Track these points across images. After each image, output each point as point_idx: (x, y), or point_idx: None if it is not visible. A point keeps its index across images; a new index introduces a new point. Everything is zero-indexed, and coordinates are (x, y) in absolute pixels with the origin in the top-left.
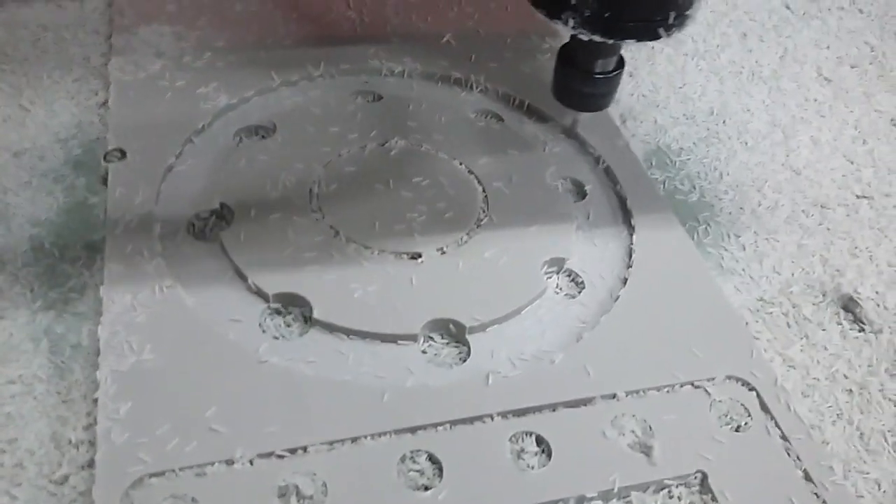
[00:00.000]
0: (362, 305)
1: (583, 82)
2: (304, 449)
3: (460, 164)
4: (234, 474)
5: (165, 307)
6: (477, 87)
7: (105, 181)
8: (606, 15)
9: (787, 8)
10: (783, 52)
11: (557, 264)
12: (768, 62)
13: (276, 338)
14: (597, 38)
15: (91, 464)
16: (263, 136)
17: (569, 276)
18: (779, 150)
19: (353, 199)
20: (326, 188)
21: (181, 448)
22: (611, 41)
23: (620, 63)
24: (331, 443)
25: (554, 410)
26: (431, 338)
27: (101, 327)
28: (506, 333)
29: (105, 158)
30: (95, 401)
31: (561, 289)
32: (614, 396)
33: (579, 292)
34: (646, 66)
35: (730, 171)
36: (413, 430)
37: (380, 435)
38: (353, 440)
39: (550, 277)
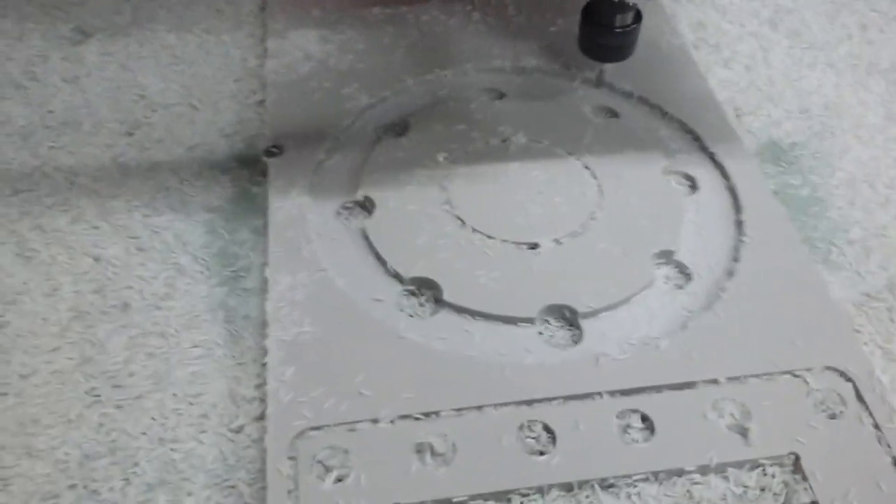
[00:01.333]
0: (486, 290)
1: (604, 36)
2: (437, 413)
3: (576, 159)
4: (379, 431)
5: (319, 287)
6: (595, 84)
7: (265, 174)
8: None
9: None
10: None
11: (666, 256)
12: (888, 54)
13: (412, 316)
14: None
15: (262, 417)
16: (399, 134)
17: (677, 267)
18: (893, 145)
19: (479, 193)
20: (454, 182)
21: (336, 407)
22: None
23: (637, 17)
24: (459, 409)
25: (659, 392)
26: (547, 321)
27: (267, 303)
28: (616, 319)
29: (265, 153)
30: (264, 365)
31: (669, 279)
32: (716, 381)
33: (687, 283)
34: (762, 58)
35: (842, 165)
36: (530, 402)
37: (502, 405)
38: (479, 408)
39: (660, 268)
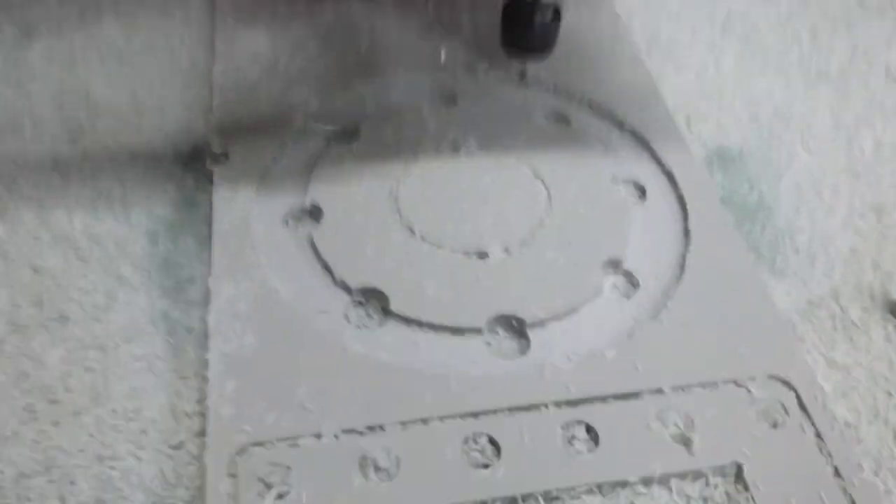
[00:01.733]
0: (434, 300)
1: (526, 33)
2: (382, 427)
3: (527, 166)
4: (322, 447)
5: (263, 298)
6: (545, 88)
7: (211, 180)
8: None
9: (861, 5)
10: (853, 51)
11: (614, 265)
12: (837, 60)
13: (359, 327)
14: None
15: (203, 433)
16: (349, 140)
17: (625, 276)
18: (840, 154)
19: (428, 201)
20: (404, 190)
21: (278, 422)
22: None
23: (556, 15)
24: (404, 422)
25: (604, 402)
26: (495, 331)
27: (209, 315)
28: (563, 329)
29: (211, 160)
30: (206, 378)
31: (617, 288)
32: (661, 391)
33: (634, 292)
34: (713, 64)
35: (790, 173)
36: (476, 414)
37: (447, 417)
38: (424, 421)
39: (608, 277)
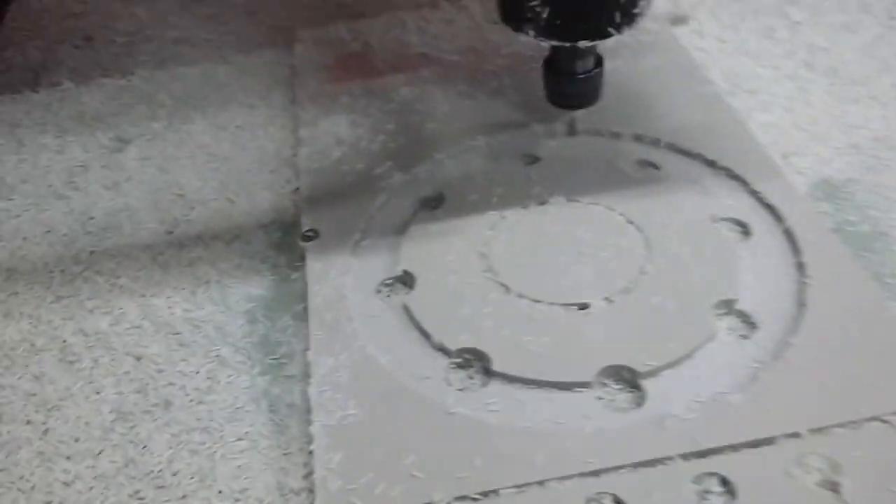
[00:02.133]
0: (537, 356)
1: (568, 84)
2: (496, 492)
3: (619, 214)
4: None
5: (363, 367)
6: (628, 137)
7: (303, 259)
8: (557, 23)
9: None
10: None
11: (727, 305)
12: None
13: (461, 390)
14: (555, 43)
15: None
16: (434, 207)
17: (740, 317)
18: None
19: (520, 257)
20: (494, 249)
21: (387, 493)
22: (568, 44)
23: (599, 62)
24: (519, 486)
25: (735, 451)
26: (605, 384)
27: (310, 388)
28: (680, 377)
29: (302, 238)
30: (311, 453)
31: (733, 330)
32: (797, 435)
33: (752, 332)
34: (802, 99)
35: None
36: (596, 472)
37: (565, 478)
38: (541, 483)
39: (721, 319)
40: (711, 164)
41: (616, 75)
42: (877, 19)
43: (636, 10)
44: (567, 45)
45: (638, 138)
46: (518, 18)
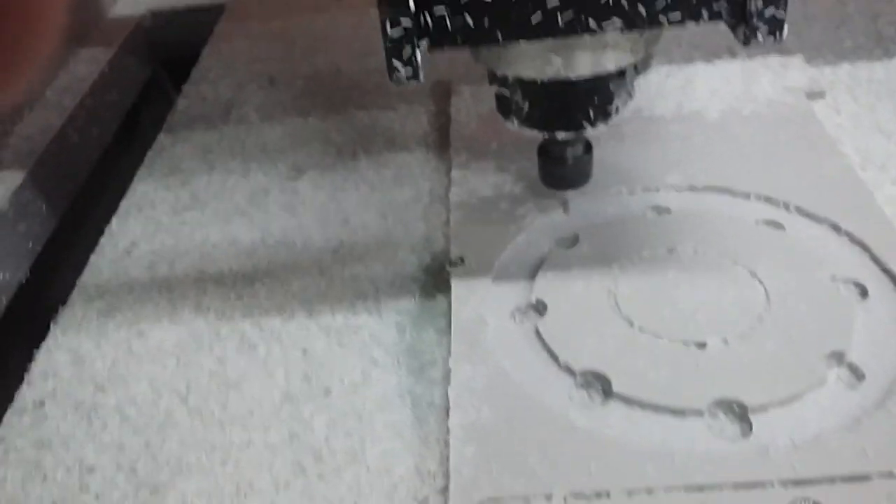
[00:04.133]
0: (654, 383)
1: (559, 167)
2: (608, 494)
3: (743, 267)
4: None
5: (496, 378)
6: (757, 197)
7: (449, 283)
8: (537, 115)
9: None
10: None
11: (838, 357)
12: None
13: (583, 407)
14: (536, 132)
15: (444, 490)
16: (569, 246)
17: (849, 368)
18: None
19: (646, 297)
20: (622, 287)
21: (512, 483)
22: (547, 134)
23: (588, 148)
24: (629, 491)
25: (832, 483)
26: (716, 415)
27: (450, 390)
28: (787, 415)
29: (449, 264)
30: (447, 444)
31: (841, 379)
32: (893, 475)
33: (860, 383)
34: None
35: None
36: (700, 488)
37: (671, 489)
38: (649, 491)
39: (831, 368)
40: (836, 228)
41: (751, 142)
42: None
43: (610, 108)
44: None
45: (767, 199)
46: (505, 111)
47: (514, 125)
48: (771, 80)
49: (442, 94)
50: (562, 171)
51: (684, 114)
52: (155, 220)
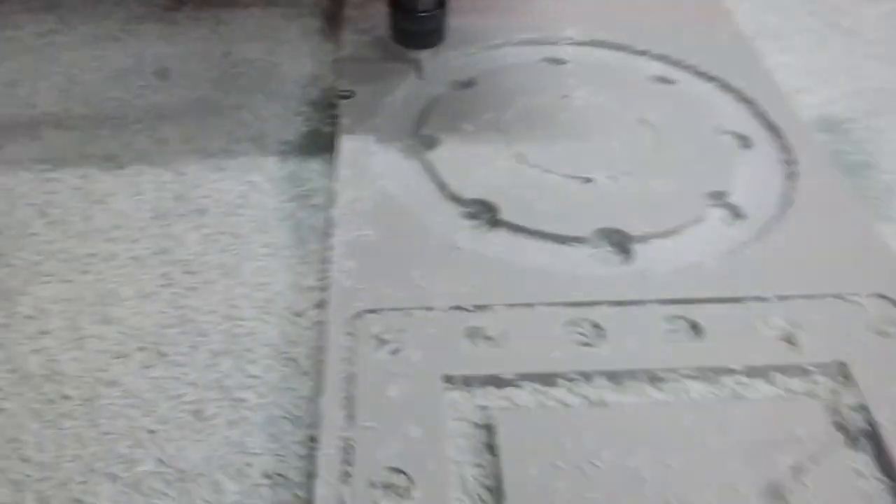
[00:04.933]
0: (541, 212)
1: (412, 22)
2: (489, 307)
3: (634, 114)
4: (433, 317)
5: (382, 201)
6: (652, 55)
7: (335, 118)
8: None
9: None
10: None
11: (720, 197)
12: None
13: (470, 230)
14: None
15: (322, 304)
16: (466, 87)
17: (729, 209)
18: None
19: (538, 135)
20: (515, 126)
21: (393, 295)
22: None
23: (441, 3)
24: (510, 305)
25: (706, 303)
26: (599, 244)
27: (333, 210)
28: (666, 246)
29: (338, 96)
30: (327, 261)
31: (722, 218)
32: (764, 299)
33: (738, 221)
34: (819, 49)
35: (895, 138)
36: (579, 304)
37: (552, 304)
38: (529, 305)
39: (712, 208)
40: (725, 86)
41: (652, 6)
42: None
43: None
44: None
45: (662, 58)
46: None
47: None
48: None
49: None
50: (412, 25)
51: None
52: (19, 41)
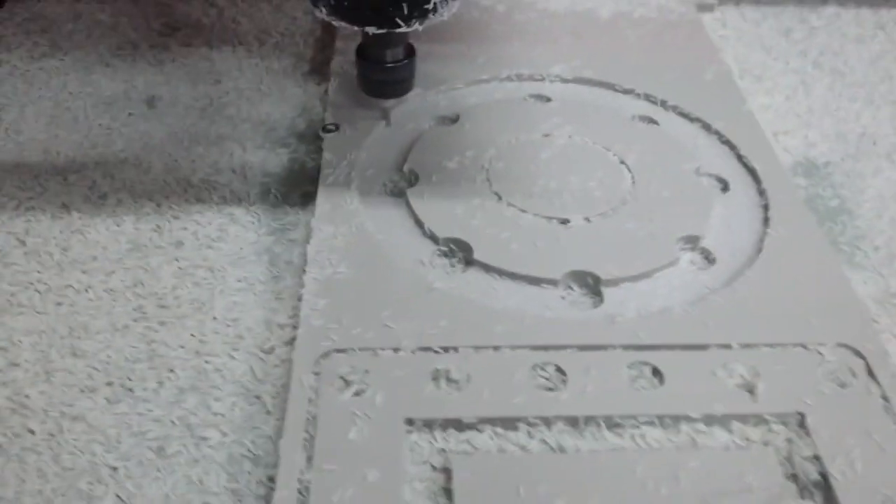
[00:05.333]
0: (515, 253)
1: (380, 72)
2: (456, 349)
3: (613, 154)
4: (399, 358)
5: (358, 238)
6: (637, 94)
7: (320, 151)
8: (345, 4)
9: None
10: None
11: (693, 241)
12: None
13: (443, 271)
14: (344, 25)
15: (292, 341)
16: (449, 123)
17: (702, 252)
18: None
19: (517, 175)
20: (496, 165)
21: (361, 335)
22: (356, 28)
23: (410, 51)
24: (477, 347)
25: (671, 350)
26: (571, 287)
27: (308, 246)
28: (637, 290)
29: (323, 130)
30: (300, 298)
31: (693, 263)
32: (728, 346)
33: (710, 266)
34: (803, 91)
35: (874, 183)
36: (546, 348)
37: (518, 348)
38: (496, 348)
39: (685, 252)
40: (707, 127)
41: (638, 44)
42: (888, 36)
43: (427, 6)
44: (355, 28)
45: (646, 97)
46: None
47: (322, 14)
48: None
49: None
50: (380, 75)
51: (577, 10)
52: (9, 63)
